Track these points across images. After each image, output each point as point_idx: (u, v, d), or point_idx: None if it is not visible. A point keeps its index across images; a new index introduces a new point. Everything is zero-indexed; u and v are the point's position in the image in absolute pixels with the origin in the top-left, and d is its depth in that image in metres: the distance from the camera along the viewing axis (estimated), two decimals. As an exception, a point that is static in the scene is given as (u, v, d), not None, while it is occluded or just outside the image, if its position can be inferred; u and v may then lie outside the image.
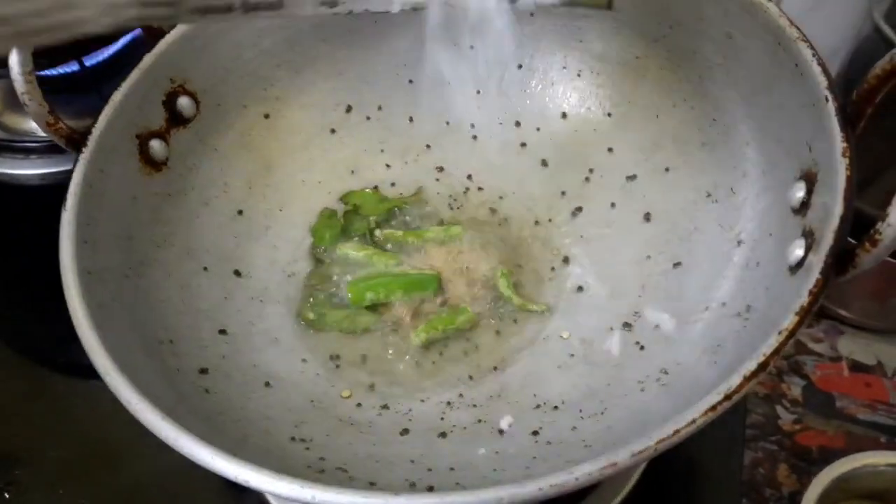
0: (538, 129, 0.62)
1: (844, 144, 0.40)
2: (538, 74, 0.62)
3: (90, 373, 0.65)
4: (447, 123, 0.63)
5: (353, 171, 0.61)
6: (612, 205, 0.57)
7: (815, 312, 0.69)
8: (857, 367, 0.72)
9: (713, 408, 0.33)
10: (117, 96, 0.50)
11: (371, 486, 0.41)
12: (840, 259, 0.37)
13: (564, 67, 0.61)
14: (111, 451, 0.60)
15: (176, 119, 0.54)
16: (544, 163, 0.61)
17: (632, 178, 0.57)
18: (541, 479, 0.32)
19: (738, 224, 0.49)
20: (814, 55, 0.44)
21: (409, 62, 0.63)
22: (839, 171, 0.39)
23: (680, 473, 0.58)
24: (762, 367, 0.34)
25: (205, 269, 0.53)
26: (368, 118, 0.63)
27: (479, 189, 0.61)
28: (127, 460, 0.60)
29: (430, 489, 0.40)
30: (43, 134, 0.77)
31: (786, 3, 0.73)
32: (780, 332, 0.35)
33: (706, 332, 0.46)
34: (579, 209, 0.58)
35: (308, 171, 0.60)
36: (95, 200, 0.47)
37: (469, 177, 0.61)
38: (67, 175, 0.73)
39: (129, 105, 0.51)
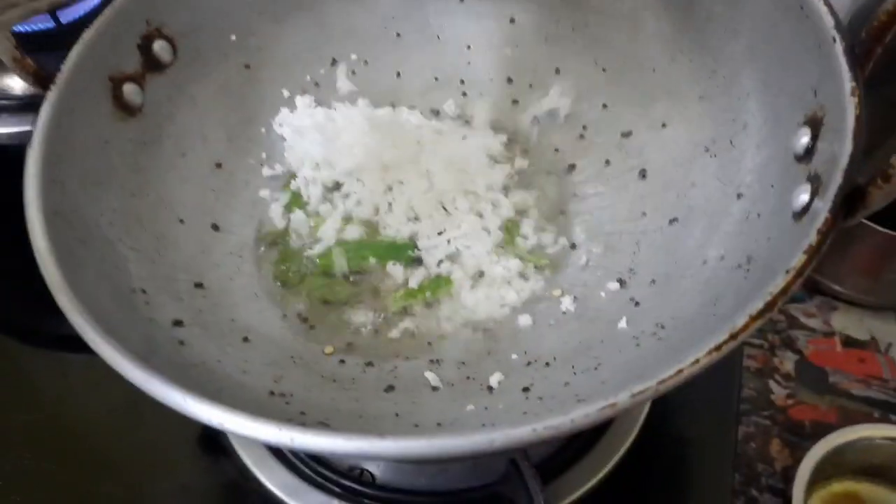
0: (530, 86, 0.60)
1: (853, 84, 0.38)
2: (529, 29, 0.60)
3: (61, 345, 0.64)
4: (436, 79, 0.61)
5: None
6: (607, 162, 0.55)
7: (809, 287, 0.68)
8: (850, 342, 0.71)
9: (718, 347, 0.31)
10: (88, 34, 0.48)
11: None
12: (849, 199, 0.35)
13: (557, 21, 0.59)
14: (80, 419, 0.58)
15: (152, 64, 0.52)
16: (535, 120, 0.59)
17: (627, 134, 0.55)
18: (536, 422, 0.30)
19: (737, 177, 0.48)
20: (819, -3, 0.42)
21: (397, 15, 0.61)
22: (848, 111, 0.38)
23: (672, 447, 0.56)
24: (769, 306, 0.32)
25: (181, 221, 0.51)
26: (354, 72, 0.60)
27: (470, 145, 0.59)
28: (96, 429, 0.58)
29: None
30: (16, 91, 0.75)
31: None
32: (787, 272, 0.33)
33: (704, 286, 0.44)
34: (572, 166, 0.56)
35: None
36: (64, 140, 0.45)
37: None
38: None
39: (101, 45, 0.48)
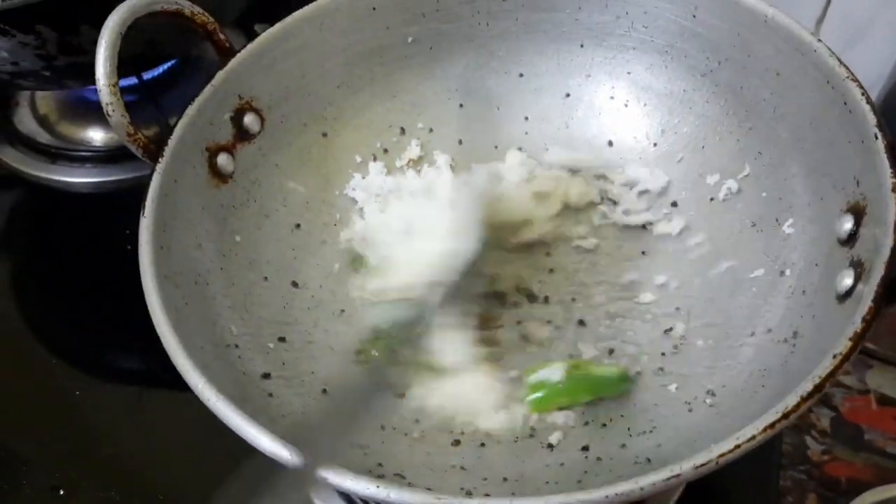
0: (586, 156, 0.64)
1: (894, 180, 0.42)
2: (585, 103, 0.64)
3: (132, 378, 0.68)
4: (495, 147, 0.65)
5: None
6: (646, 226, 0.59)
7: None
8: (885, 400, 0.73)
9: (772, 425, 0.35)
10: (191, 111, 0.53)
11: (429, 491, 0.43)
12: (891, 287, 0.39)
13: (612, 97, 0.63)
14: (149, 456, 0.62)
15: (242, 134, 0.57)
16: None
17: (675, 204, 0.59)
18: (607, 488, 0.33)
19: (783, 254, 0.51)
20: (863, 94, 0.46)
21: (460, 87, 0.65)
22: (889, 206, 0.41)
23: (713, 501, 0.59)
24: (818, 388, 0.35)
25: (265, 279, 0.55)
26: (419, 140, 0.65)
27: (529, 213, 0.63)
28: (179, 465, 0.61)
29: (487, 496, 0.42)
30: (97, 143, 0.80)
31: (822, 36, 0.75)
32: (834, 356, 0.36)
33: (752, 357, 0.48)
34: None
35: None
36: (169, 208, 0.49)
37: (517, 201, 0.63)
38: (120, 184, 0.77)
39: (200, 119, 0.53)
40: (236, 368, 0.48)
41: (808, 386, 0.36)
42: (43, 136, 0.81)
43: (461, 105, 0.66)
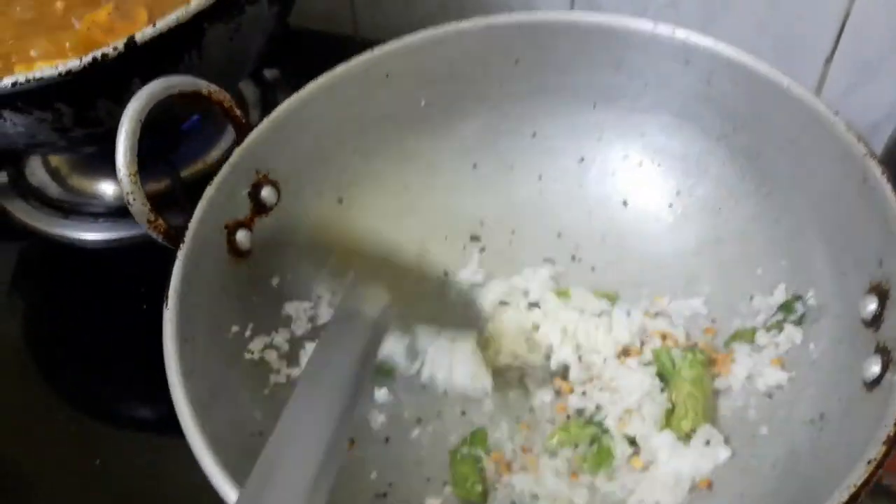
0: (600, 216, 0.64)
1: (920, 269, 0.42)
2: (598, 163, 0.64)
3: (143, 426, 0.68)
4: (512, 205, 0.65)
5: (423, 252, 0.63)
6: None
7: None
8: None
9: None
10: (210, 191, 0.53)
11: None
12: (921, 386, 0.39)
13: (626, 157, 0.63)
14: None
15: (260, 208, 0.57)
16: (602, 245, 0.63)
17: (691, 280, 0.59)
18: None
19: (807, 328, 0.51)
20: (883, 172, 0.46)
21: (473, 147, 0.65)
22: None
23: None
24: (853, 498, 0.35)
25: (286, 358, 0.55)
26: (434, 201, 0.65)
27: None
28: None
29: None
30: (109, 197, 0.79)
31: (830, 75, 0.76)
32: (868, 462, 0.36)
33: (778, 438, 0.48)
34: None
35: (379, 253, 0.62)
36: (192, 296, 0.49)
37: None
38: (134, 240, 0.76)
39: (219, 198, 0.53)
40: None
41: (842, 496, 0.36)
42: (54, 190, 0.80)
43: (474, 165, 0.66)
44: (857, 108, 0.76)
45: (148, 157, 0.64)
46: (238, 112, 0.55)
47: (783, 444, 0.47)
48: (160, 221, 0.50)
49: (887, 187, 0.46)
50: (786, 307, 0.53)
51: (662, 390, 0.53)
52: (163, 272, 0.50)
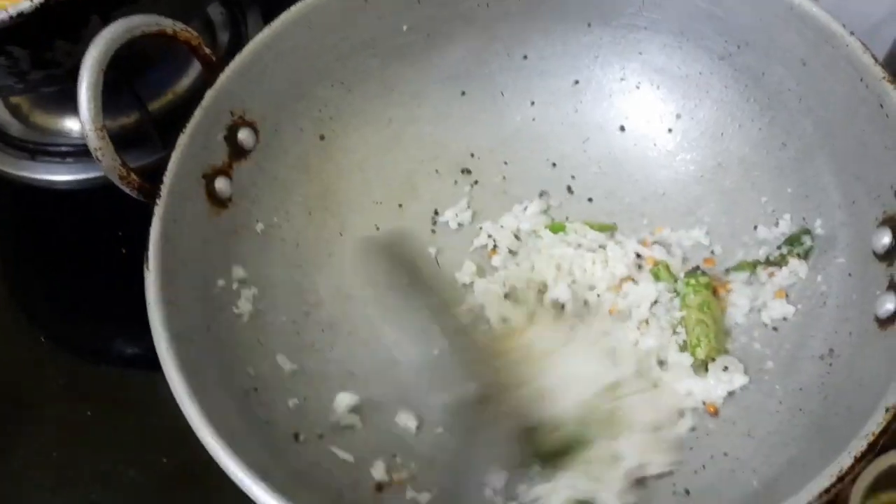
0: (596, 142, 0.61)
1: (941, 202, 0.40)
2: (594, 85, 0.61)
3: (122, 362, 0.66)
4: (505, 163, 0.62)
5: (411, 188, 0.60)
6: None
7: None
8: None
9: (827, 490, 0.34)
10: (183, 139, 0.49)
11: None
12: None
13: (623, 79, 0.60)
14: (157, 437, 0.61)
15: (238, 152, 0.54)
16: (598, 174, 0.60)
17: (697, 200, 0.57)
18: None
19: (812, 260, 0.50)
20: (902, 97, 0.44)
21: (460, 74, 0.62)
22: (935, 231, 0.39)
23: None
24: (871, 447, 0.35)
25: (275, 305, 0.53)
26: (421, 133, 0.62)
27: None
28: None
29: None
30: (76, 136, 0.75)
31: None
32: (887, 409, 0.35)
33: (784, 373, 0.47)
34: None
35: (365, 192, 0.60)
36: (173, 254, 0.47)
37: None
38: (105, 179, 0.72)
39: (194, 146, 0.50)
40: (259, 418, 0.46)
41: (861, 445, 0.35)
42: (16, 129, 0.75)
43: (463, 93, 0.62)
44: (855, 7, 0.71)
45: (111, 89, 0.60)
46: (207, 51, 0.51)
47: (790, 381, 0.46)
48: (133, 177, 0.47)
49: (906, 114, 0.43)
50: (792, 240, 0.51)
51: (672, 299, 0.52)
52: (140, 213, 0.47)
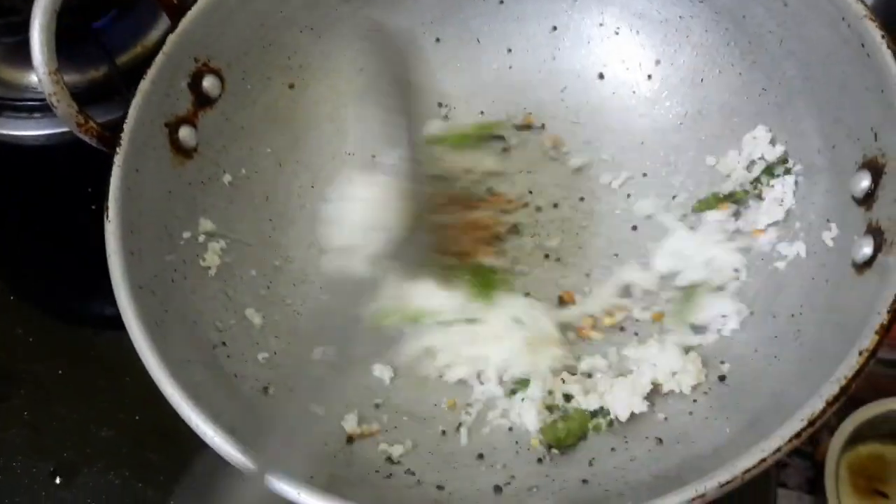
0: (575, 90, 0.59)
1: (921, 141, 0.39)
2: (572, 31, 0.59)
3: (94, 321, 0.66)
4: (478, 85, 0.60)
5: (385, 139, 0.59)
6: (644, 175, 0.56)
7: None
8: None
9: (797, 435, 0.33)
10: (144, 85, 0.48)
11: (439, 489, 0.43)
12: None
13: (601, 24, 0.58)
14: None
15: (202, 100, 0.52)
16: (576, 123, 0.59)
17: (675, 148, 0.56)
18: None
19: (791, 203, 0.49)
20: (883, 36, 0.42)
21: (434, 19, 0.60)
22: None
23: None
24: (843, 391, 0.34)
25: (243, 258, 0.52)
26: (395, 82, 0.60)
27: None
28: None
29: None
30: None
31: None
32: (860, 353, 0.35)
33: (762, 321, 0.46)
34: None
35: (337, 142, 0.58)
36: (135, 204, 0.45)
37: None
38: (74, 135, 0.71)
39: (156, 93, 0.49)
40: (227, 372, 0.45)
41: (832, 389, 0.34)
42: (-23, 82, 0.74)
43: (437, 40, 0.60)
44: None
45: (75, 39, 0.58)
46: (168, -7, 0.49)
47: (766, 329, 0.46)
48: (91, 124, 0.45)
49: (887, 53, 0.42)
50: (768, 171, 0.50)
51: None
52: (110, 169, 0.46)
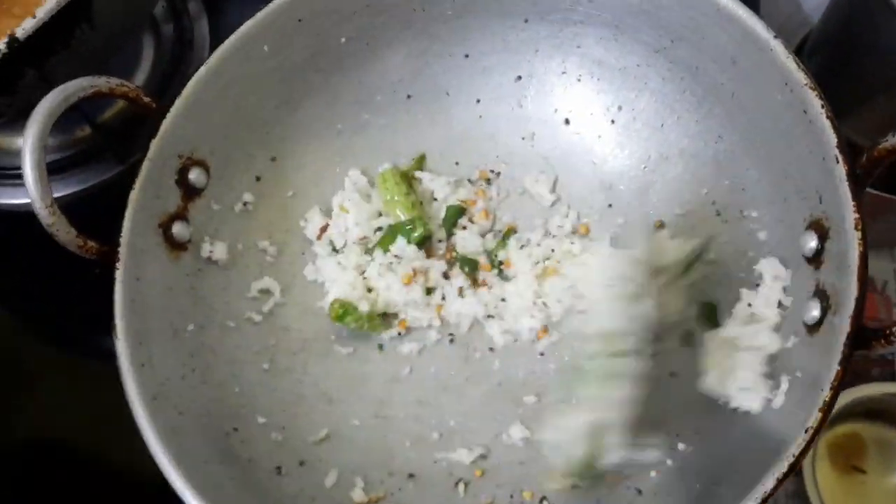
0: (543, 136, 0.62)
1: (856, 216, 0.42)
2: (536, 79, 0.61)
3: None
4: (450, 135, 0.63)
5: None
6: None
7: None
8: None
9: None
10: (134, 195, 0.50)
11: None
12: (857, 342, 0.40)
13: (564, 72, 0.61)
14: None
15: (191, 192, 0.55)
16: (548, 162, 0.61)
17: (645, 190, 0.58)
18: None
19: (750, 250, 0.52)
20: (823, 106, 0.45)
21: (404, 77, 0.62)
22: (852, 246, 0.41)
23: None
24: (791, 468, 0.38)
25: (243, 336, 0.56)
26: (371, 140, 0.62)
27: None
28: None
29: None
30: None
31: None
32: (806, 430, 0.39)
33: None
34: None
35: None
36: (140, 315, 0.49)
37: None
38: (72, 197, 0.72)
39: (146, 198, 0.51)
40: (241, 458, 0.50)
41: (782, 467, 0.38)
42: (-31, 151, 0.75)
43: (409, 97, 0.63)
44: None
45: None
46: (146, 99, 0.52)
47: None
48: (90, 244, 0.48)
49: (826, 124, 0.44)
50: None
51: None
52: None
